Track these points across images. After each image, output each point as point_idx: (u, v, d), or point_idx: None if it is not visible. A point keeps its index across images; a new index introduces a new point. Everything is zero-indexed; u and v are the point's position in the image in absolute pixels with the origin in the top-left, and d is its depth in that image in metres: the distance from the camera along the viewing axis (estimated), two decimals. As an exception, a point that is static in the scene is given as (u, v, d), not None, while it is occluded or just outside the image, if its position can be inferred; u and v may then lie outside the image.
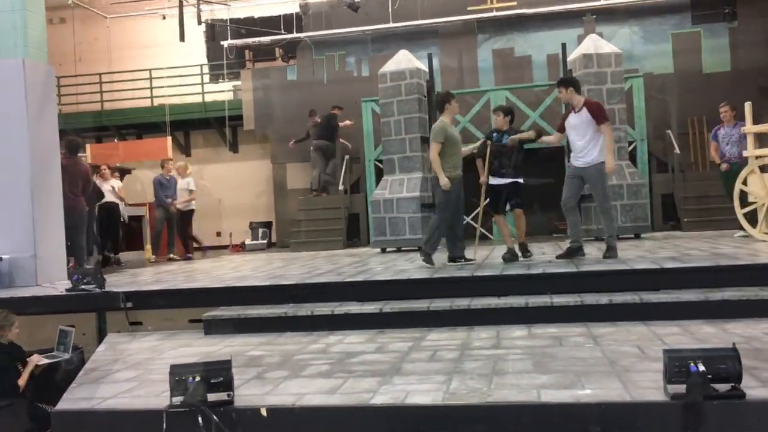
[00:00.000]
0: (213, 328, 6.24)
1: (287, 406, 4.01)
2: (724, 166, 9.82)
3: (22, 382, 5.52)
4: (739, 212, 8.97)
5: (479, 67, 14.96)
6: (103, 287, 7.08)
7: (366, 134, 12.87)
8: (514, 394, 3.91)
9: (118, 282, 8.01)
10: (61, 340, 6.11)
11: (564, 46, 11.39)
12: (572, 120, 7.46)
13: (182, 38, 14.77)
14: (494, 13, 14.78)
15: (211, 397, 3.95)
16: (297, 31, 15.91)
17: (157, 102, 17.29)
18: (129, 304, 6.77)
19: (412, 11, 15.11)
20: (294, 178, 15.94)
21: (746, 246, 7.93)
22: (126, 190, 12.97)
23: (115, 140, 17.63)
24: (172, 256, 12.45)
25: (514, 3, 14.68)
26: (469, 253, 8.14)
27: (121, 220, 12.40)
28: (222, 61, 16.73)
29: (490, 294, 6.20)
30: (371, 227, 11.68)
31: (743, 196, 8.96)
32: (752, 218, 8.83)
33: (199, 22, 15.71)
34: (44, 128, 8.83)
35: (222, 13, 17.07)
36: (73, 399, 4.51)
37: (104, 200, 11.53)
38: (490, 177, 7.94)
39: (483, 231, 11.15)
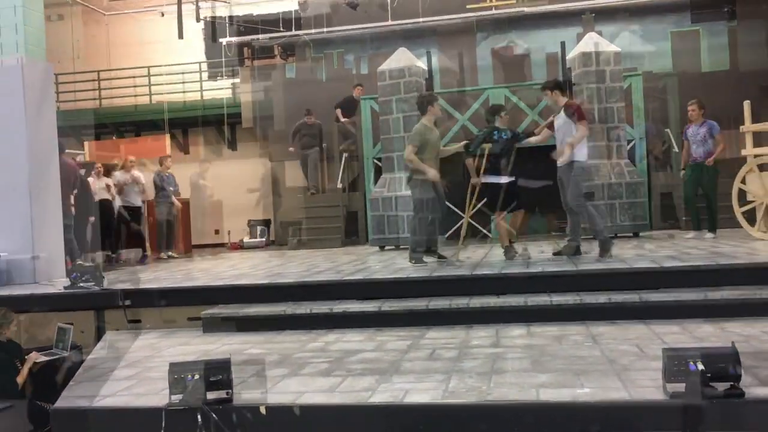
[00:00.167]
0: (212, 326, 6.24)
1: (286, 404, 4.01)
2: (690, 164, 9.47)
3: (20, 379, 5.52)
4: (738, 211, 8.97)
5: (478, 65, 14.96)
6: (101, 285, 7.07)
7: (365, 132, 12.86)
8: (513, 393, 3.91)
9: (117, 280, 7.99)
10: (59, 337, 6.11)
11: (563, 44, 11.38)
12: (557, 122, 7.64)
13: (181, 35, 14.77)
14: (493, 11, 14.78)
15: (211, 395, 3.95)
16: (296, 29, 15.90)
17: (155, 100, 17.27)
18: (128, 302, 6.77)
19: (411, 9, 15.10)
20: (292, 176, 15.92)
21: (745, 245, 7.94)
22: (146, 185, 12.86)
23: (114, 138, 17.61)
24: (171, 254, 12.43)
25: (513, 1, 14.68)
26: (446, 252, 8.16)
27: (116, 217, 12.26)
28: (221, 58, 16.72)
29: (489, 293, 6.20)
30: (370, 225, 11.67)
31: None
32: (750, 219, 8.84)
33: (198, 20, 15.69)
34: (42, 127, 8.82)
35: (221, 10, 17.05)
36: (72, 397, 4.51)
37: (98, 198, 11.46)
38: (492, 176, 7.87)
39: (484, 231, 11.15)
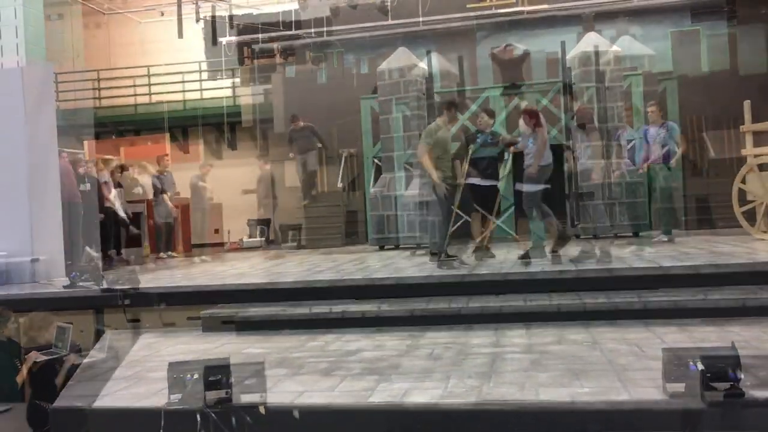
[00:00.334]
0: (211, 326, 6.23)
1: (286, 404, 4.01)
2: (644, 167, 9.40)
3: (20, 379, 5.51)
4: (738, 211, 8.96)
5: (478, 65, 14.91)
6: (100, 285, 7.07)
7: (364, 132, 12.85)
8: (512, 393, 3.91)
9: (116, 280, 7.96)
10: (59, 336, 6.09)
11: (563, 44, 11.37)
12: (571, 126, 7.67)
13: (180, 35, 14.76)
14: (493, 11, 14.76)
15: (210, 395, 3.94)
16: (295, 29, 15.87)
17: (155, 99, 17.24)
18: (127, 302, 6.76)
19: (411, 10, 15.07)
20: (292, 176, 15.90)
21: (745, 245, 7.93)
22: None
23: (113, 137, 17.58)
24: (170, 254, 12.42)
25: (513, 1, 14.66)
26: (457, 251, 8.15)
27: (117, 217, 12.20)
28: (221, 58, 16.70)
29: (488, 294, 6.20)
30: (369, 225, 11.66)
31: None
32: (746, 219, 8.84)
33: (198, 20, 15.67)
34: (42, 128, 8.82)
35: (221, 10, 17.02)
36: (72, 397, 4.50)
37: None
38: (473, 179, 7.93)
39: (512, 233, 11.04)
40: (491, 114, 8.23)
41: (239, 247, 15.13)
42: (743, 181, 8.87)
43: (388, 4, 14.37)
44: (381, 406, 3.91)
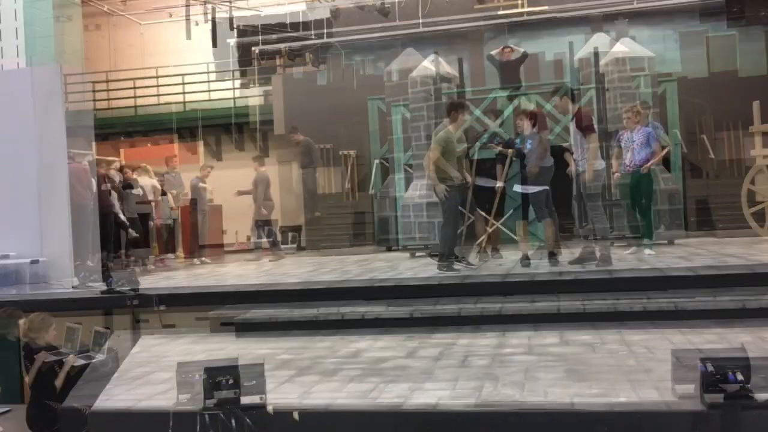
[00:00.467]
0: (245, 330, 6.29)
1: (319, 409, 4.03)
2: (616, 176, 9.03)
3: (59, 383, 5.61)
4: (747, 212, 8.79)
5: (485, 67, 14.80)
6: (137, 290, 7.18)
7: (371, 133, 12.86)
8: (546, 401, 3.88)
9: (151, 285, 8.10)
10: (96, 341, 6.19)
11: (596, 49, 11.29)
12: (571, 127, 7.63)
13: (215, 44, 14.93)
14: (525, 18, 14.70)
15: (244, 399, 3.97)
16: (327, 37, 15.97)
17: (188, 106, 17.47)
18: (162, 307, 6.86)
19: (442, 15, 15.08)
20: (323, 182, 15.98)
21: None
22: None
23: (122, 138, 17.81)
24: (171, 255, 12.54)
25: (546, 7, 14.58)
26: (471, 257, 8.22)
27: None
28: (253, 66, 16.85)
29: (521, 299, 6.17)
30: (400, 230, 11.67)
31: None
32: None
33: (231, 28, 15.84)
34: (51, 130, 8.94)
35: (221, 12, 17.14)
36: (110, 399, 4.57)
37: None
38: (483, 180, 7.93)
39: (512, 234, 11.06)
40: (499, 115, 8.21)
41: (247, 249, 15.19)
42: (752, 182, 8.70)
43: (388, 5, 14.41)
44: (414, 411, 3.91)
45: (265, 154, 16.19)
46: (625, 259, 8.08)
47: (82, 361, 5.87)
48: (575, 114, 7.46)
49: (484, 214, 8.55)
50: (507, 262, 8.52)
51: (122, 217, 11.11)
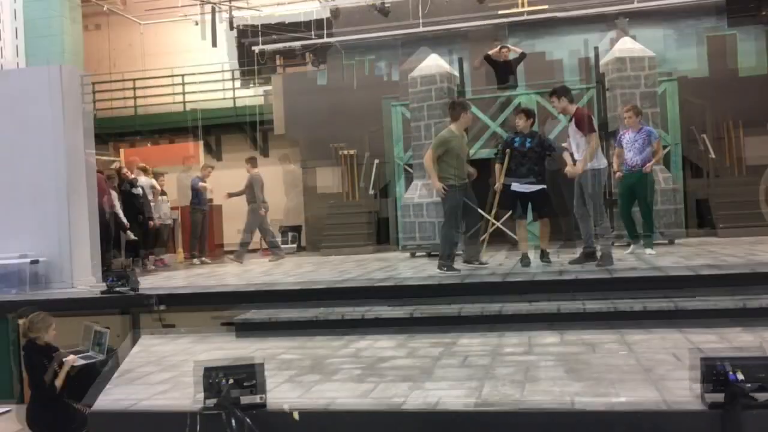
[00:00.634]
0: (245, 331, 6.29)
1: (319, 409, 4.02)
2: (618, 175, 9.00)
3: (59, 382, 5.62)
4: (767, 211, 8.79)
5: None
6: (136, 290, 7.18)
7: (395, 138, 12.87)
8: (547, 401, 3.88)
9: (151, 284, 8.11)
10: (96, 341, 6.21)
11: (596, 49, 11.28)
12: (570, 128, 7.59)
13: (214, 44, 14.92)
14: (525, 17, 14.70)
15: (244, 399, 3.97)
16: (327, 37, 15.99)
17: (188, 107, 17.50)
18: (162, 307, 6.87)
19: (442, 15, 15.09)
20: (324, 182, 16.00)
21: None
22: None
23: (148, 144, 17.88)
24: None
25: (546, 6, 14.58)
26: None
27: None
28: (253, 66, 16.87)
29: (521, 299, 6.17)
30: (400, 231, 11.68)
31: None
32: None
33: (231, 28, 15.84)
34: (78, 133, 9.00)
35: (254, 18, 17.20)
36: (110, 400, 4.57)
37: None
38: (516, 183, 7.84)
39: (512, 234, 11.07)
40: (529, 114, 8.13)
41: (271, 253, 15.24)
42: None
43: (389, 4, 14.51)
44: (413, 411, 3.91)
45: (292, 158, 16.27)
46: (625, 258, 8.11)
47: (82, 362, 5.90)
48: (574, 114, 7.44)
49: (483, 213, 8.47)
50: (508, 262, 8.54)
51: (122, 217, 11.13)
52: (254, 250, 16.06)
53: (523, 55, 12.87)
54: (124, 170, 12.23)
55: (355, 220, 13.70)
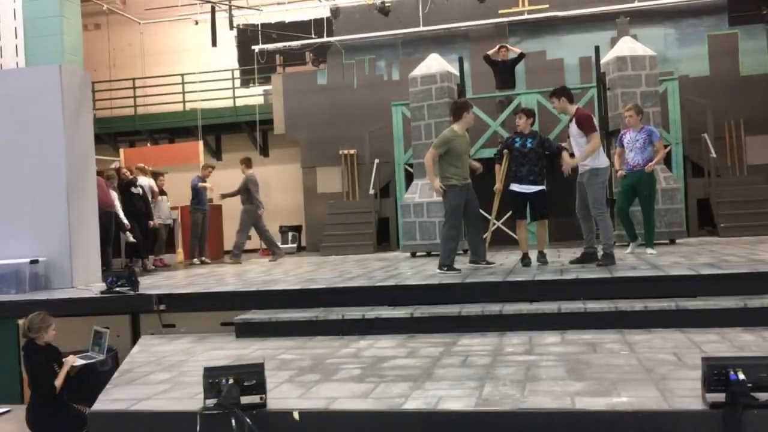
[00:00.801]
0: (245, 331, 6.28)
1: (319, 410, 4.01)
2: (620, 173, 8.90)
3: (58, 383, 5.60)
4: None
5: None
6: (136, 290, 7.17)
7: (396, 138, 12.87)
8: (548, 401, 3.86)
9: (151, 284, 8.10)
10: (96, 341, 6.20)
11: (597, 49, 11.28)
12: (571, 128, 7.55)
13: (214, 43, 14.91)
14: (526, 17, 14.70)
15: (245, 399, 3.96)
16: (328, 36, 15.99)
17: (188, 106, 17.51)
18: (162, 307, 6.87)
19: (442, 15, 15.10)
20: (324, 182, 16.01)
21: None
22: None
23: (148, 144, 17.88)
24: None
25: (546, 6, 14.58)
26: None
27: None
28: (253, 65, 16.86)
29: (522, 299, 6.16)
30: (401, 231, 11.67)
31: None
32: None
33: (231, 27, 15.83)
34: (80, 133, 9.00)
35: (254, 18, 17.21)
36: (109, 400, 4.56)
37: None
38: (516, 184, 7.83)
39: (512, 234, 11.09)
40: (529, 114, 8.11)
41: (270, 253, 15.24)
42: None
43: (389, 4, 14.55)
44: (414, 411, 3.90)
45: (297, 156, 16.26)
46: (626, 258, 8.10)
47: (81, 362, 5.89)
48: (575, 114, 7.43)
49: (485, 214, 8.47)
50: (509, 261, 8.54)
51: (122, 217, 11.10)
52: (254, 250, 16.11)
53: (522, 56, 12.87)
54: (124, 170, 12.22)
55: (356, 220, 13.69)
